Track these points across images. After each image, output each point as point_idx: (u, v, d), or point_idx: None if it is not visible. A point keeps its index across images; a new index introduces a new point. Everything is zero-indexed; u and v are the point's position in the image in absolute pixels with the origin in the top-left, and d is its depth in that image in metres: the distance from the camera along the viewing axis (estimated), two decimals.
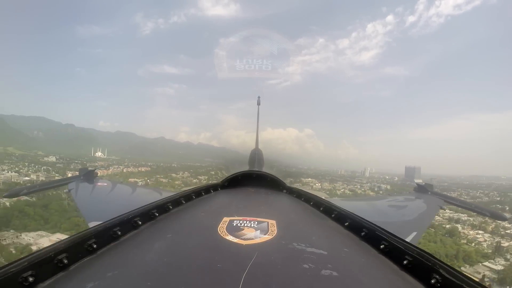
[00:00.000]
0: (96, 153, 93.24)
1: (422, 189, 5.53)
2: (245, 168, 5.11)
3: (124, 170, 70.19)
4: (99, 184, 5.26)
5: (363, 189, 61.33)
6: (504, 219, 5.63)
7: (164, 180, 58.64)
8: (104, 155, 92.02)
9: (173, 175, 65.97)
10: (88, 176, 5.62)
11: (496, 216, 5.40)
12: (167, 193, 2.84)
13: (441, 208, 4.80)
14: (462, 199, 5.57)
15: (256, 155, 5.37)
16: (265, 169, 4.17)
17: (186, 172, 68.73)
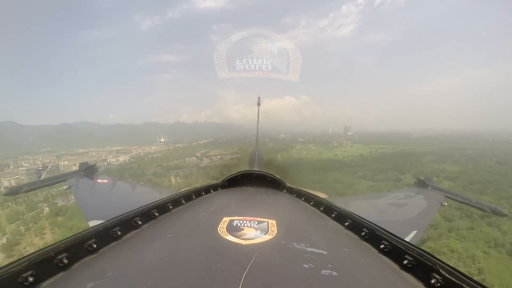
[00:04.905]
0: (161, 139, 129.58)
1: (422, 184, 5.50)
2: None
3: (193, 144, 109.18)
4: (99, 180, 5.17)
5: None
6: (504, 215, 5.39)
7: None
8: (166, 140, 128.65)
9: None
10: (89, 171, 5.52)
11: (497, 212, 5.26)
12: (167, 193, 2.83)
13: (441, 204, 4.71)
14: (463, 194, 5.32)
15: (256, 155, 5.31)
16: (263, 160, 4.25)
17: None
